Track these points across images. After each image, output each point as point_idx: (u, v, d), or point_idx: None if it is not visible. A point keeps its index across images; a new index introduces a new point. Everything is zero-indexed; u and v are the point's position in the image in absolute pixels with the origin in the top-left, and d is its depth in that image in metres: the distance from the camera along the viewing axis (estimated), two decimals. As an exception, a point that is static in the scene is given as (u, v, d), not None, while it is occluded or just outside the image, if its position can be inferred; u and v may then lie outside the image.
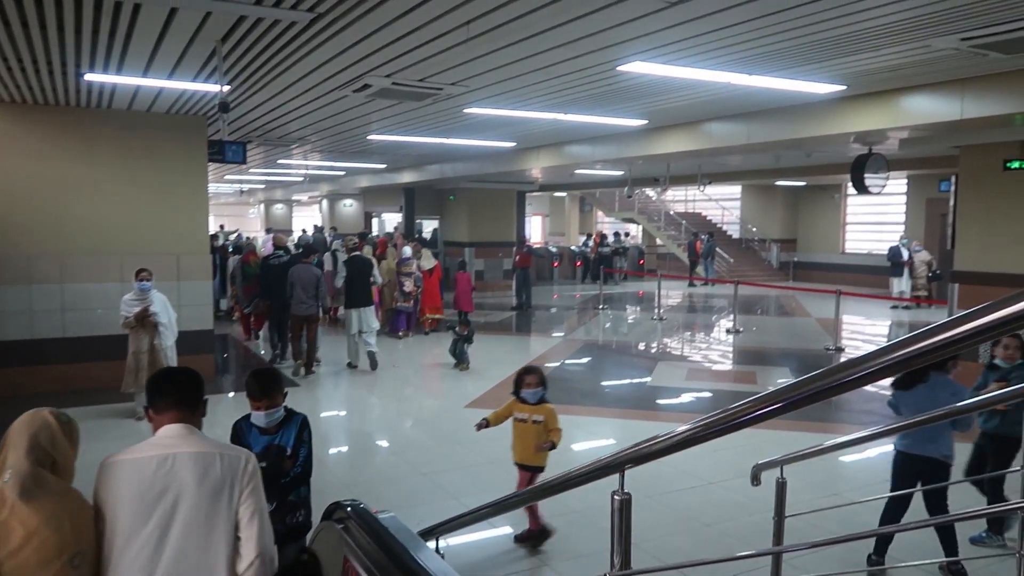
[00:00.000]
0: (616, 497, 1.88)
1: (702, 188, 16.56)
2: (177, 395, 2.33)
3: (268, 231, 25.22)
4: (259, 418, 3.37)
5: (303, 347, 9.89)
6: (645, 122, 9.63)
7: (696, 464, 6.23)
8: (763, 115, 8.85)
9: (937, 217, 18.91)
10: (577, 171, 17.06)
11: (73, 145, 8.78)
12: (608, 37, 5.38)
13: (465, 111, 8.65)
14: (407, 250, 12.74)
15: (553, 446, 4.76)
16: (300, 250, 11.12)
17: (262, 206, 39.43)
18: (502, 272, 21.29)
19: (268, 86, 7.33)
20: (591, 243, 24.53)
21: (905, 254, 16.57)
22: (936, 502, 4.21)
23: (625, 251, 24.54)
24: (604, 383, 9.91)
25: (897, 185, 22.49)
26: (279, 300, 10.21)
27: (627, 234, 26.01)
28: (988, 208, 9.09)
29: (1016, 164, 8.70)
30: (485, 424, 4.94)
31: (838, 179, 23.64)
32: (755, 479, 3.83)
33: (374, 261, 11.17)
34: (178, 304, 8.25)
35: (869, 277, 22.32)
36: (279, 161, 16.16)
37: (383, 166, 17.51)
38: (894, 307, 16.80)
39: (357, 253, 10.89)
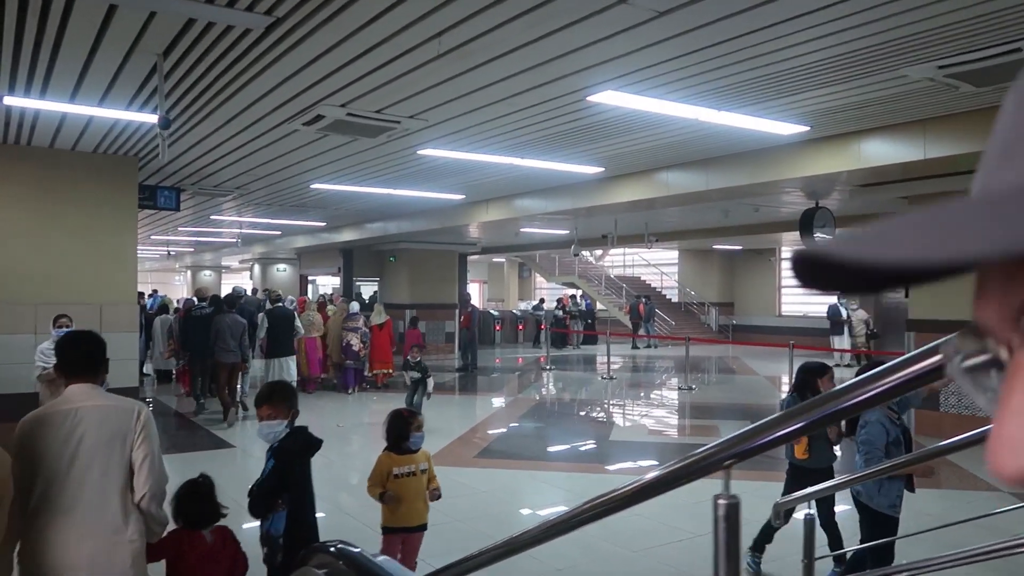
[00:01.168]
0: (721, 501, 1.42)
1: (649, 246, 16.51)
2: (85, 360, 2.80)
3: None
4: (259, 429, 3.42)
5: (228, 396, 9.78)
6: (601, 169, 9.44)
7: (674, 517, 5.76)
8: (721, 161, 8.77)
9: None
10: (523, 229, 16.87)
11: (-14, 184, 8.04)
12: (581, 59, 5.13)
13: (419, 152, 8.29)
14: (354, 305, 12.59)
15: (439, 495, 4.18)
16: (224, 302, 10.73)
17: (188, 272, 38.02)
18: (443, 335, 20.72)
19: (210, 117, 6.82)
20: (547, 306, 24.16)
21: (844, 313, 16.79)
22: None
23: (587, 313, 24.14)
24: (564, 439, 9.40)
25: (829, 248, 23.01)
26: (201, 351, 10.15)
27: (582, 296, 25.62)
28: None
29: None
30: (391, 497, 3.93)
31: (773, 242, 24.26)
32: (778, 517, 3.41)
33: (295, 313, 11.56)
34: (99, 356, 7.46)
35: (806, 338, 22.63)
36: (212, 217, 15.43)
37: (322, 224, 16.94)
38: (836, 365, 16.89)
39: (280, 304, 11.42)
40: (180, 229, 18.26)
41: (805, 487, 4.50)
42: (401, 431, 4.05)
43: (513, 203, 12.04)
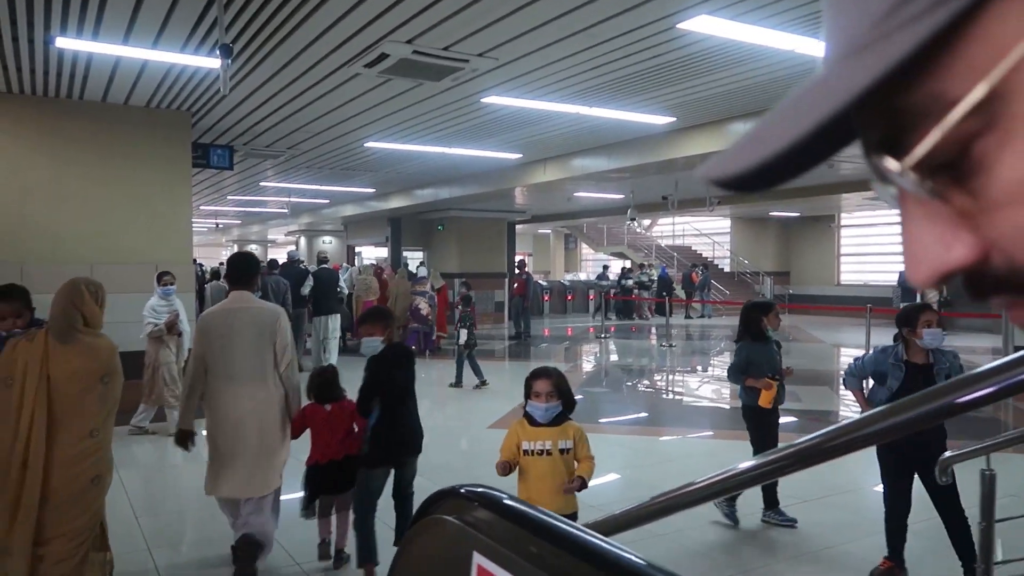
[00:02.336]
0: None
1: (712, 208, 15.77)
2: (243, 274, 3.96)
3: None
4: (363, 344, 3.92)
5: None
6: (672, 120, 8.86)
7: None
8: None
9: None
10: (576, 194, 16.34)
11: (42, 140, 7.80)
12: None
13: (482, 100, 7.83)
14: (423, 269, 12.70)
15: (584, 484, 3.25)
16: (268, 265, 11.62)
17: (235, 246, 38.29)
18: (493, 304, 20.36)
19: (268, 59, 6.43)
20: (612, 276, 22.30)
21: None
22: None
23: (664, 283, 21.82)
24: (633, 405, 8.95)
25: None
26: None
27: (651, 265, 23.70)
28: None
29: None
30: (508, 468, 3.31)
31: (832, 208, 23.30)
32: (944, 474, 2.92)
33: (339, 274, 12.25)
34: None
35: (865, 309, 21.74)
36: (261, 184, 15.20)
37: (371, 190, 16.62)
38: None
39: (325, 266, 11.64)
40: (229, 197, 18.11)
41: (761, 431, 4.61)
42: (526, 394, 3.38)
43: (571, 162, 11.51)
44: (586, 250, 33.80)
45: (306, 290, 11.10)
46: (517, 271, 14.85)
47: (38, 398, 2.84)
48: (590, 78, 7.01)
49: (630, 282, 21.29)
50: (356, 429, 3.95)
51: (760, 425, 4.64)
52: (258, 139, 10.04)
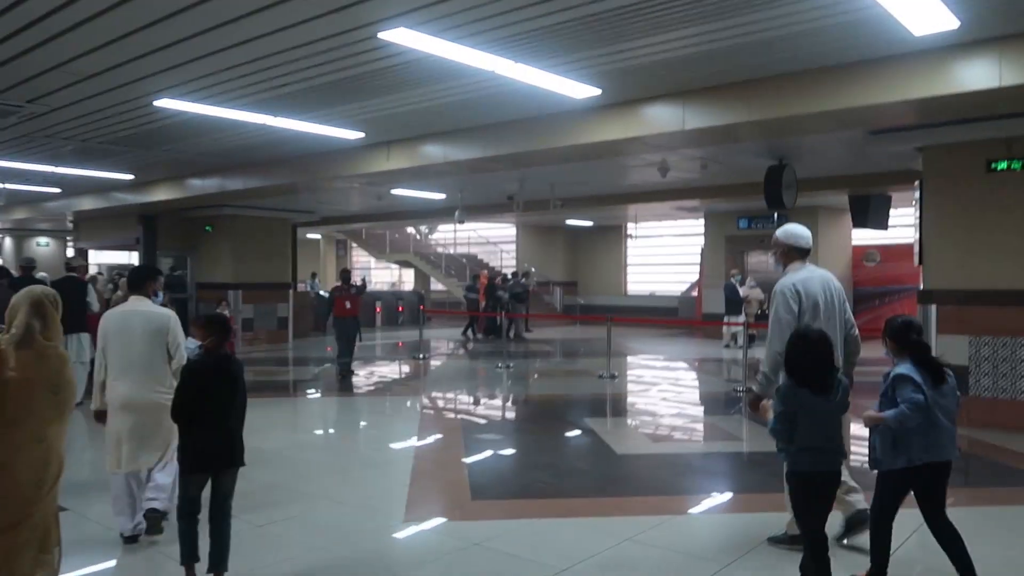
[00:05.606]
0: None
1: (555, 210, 14.18)
2: (138, 281, 4.80)
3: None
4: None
5: None
6: (598, 92, 7.10)
7: None
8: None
9: (737, 255, 18.73)
10: (394, 191, 14.01)
11: None
12: None
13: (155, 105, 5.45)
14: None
15: None
16: None
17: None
18: (276, 320, 17.24)
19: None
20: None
21: (742, 291, 15.79)
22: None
23: (525, 294, 19.70)
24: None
25: (689, 226, 22.39)
26: None
27: (526, 273, 21.52)
28: (966, 216, 7.89)
29: (1003, 165, 7.61)
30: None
31: (621, 219, 23.23)
32: None
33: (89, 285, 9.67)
34: None
35: (654, 320, 21.91)
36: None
37: (127, 177, 12.86)
38: (727, 346, 15.97)
39: (71, 275, 9.25)
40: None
41: None
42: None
43: (422, 148, 9.30)
44: (362, 258, 31.13)
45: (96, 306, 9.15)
46: (344, 283, 11.64)
47: None
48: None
49: (505, 295, 18.94)
50: None
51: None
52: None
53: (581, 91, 6.81)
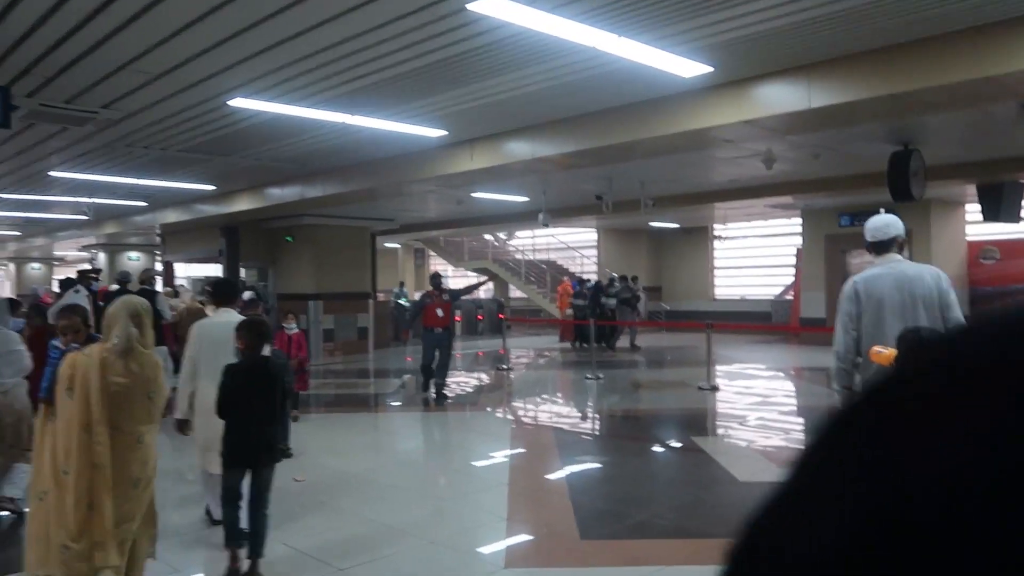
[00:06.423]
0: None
1: (646, 211, 13.35)
2: (231, 294, 5.36)
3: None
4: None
5: None
6: (710, 70, 6.31)
7: None
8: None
9: (836, 255, 17.43)
10: (475, 195, 13.47)
11: None
12: None
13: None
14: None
15: None
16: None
17: (12, 265, 31.61)
18: (356, 330, 16.94)
19: None
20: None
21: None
22: None
23: (635, 300, 18.31)
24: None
25: (782, 226, 21.20)
26: None
27: (634, 278, 19.34)
28: None
29: None
30: None
31: (707, 220, 22.11)
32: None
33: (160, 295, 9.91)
34: None
35: (744, 324, 20.68)
36: (49, 173, 10.91)
37: (210, 187, 12.74)
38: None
39: (144, 287, 9.49)
40: (2, 196, 13.40)
41: None
42: None
43: (507, 145, 8.66)
44: (436, 266, 30.87)
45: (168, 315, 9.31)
46: (435, 288, 10.24)
47: (103, 405, 3.22)
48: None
49: (612, 301, 17.66)
50: None
51: None
52: (56, 84, 6.30)
53: (690, 69, 6.03)
